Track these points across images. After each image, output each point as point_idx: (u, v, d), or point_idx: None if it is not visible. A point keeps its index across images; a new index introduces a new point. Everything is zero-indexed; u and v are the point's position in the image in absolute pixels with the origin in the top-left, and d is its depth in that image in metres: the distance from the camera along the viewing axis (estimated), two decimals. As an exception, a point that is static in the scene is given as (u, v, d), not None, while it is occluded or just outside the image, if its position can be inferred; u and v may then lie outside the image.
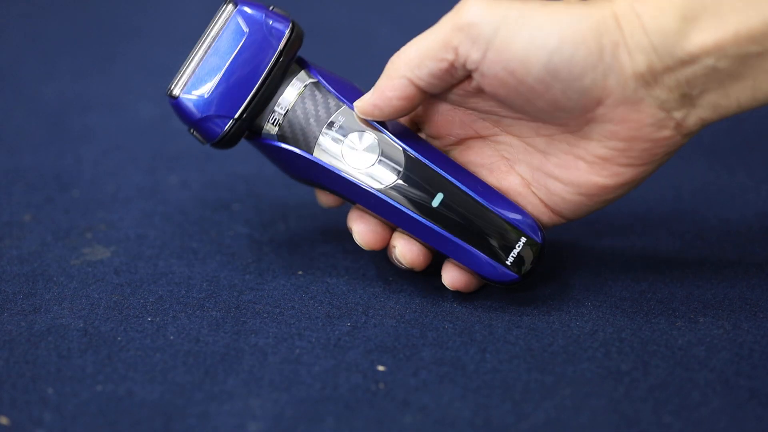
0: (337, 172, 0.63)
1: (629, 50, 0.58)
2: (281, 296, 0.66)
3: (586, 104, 0.59)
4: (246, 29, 0.63)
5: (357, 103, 0.63)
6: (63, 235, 0.73)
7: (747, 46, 0.57)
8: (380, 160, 0.63)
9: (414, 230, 0.63)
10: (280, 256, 0.71)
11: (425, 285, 0.67)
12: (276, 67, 0.63)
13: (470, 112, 0.64)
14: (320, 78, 0.64)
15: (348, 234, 0.71)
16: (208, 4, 1.06)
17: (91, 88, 0.96)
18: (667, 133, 0.59)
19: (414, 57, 0.60)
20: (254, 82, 0.63)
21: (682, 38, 0.57)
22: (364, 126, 0.63)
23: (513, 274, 0.63)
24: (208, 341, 0.62)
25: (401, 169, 0.63)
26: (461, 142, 0.65)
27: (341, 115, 0.64)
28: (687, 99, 0.58)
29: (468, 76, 0.60)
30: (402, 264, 0.64)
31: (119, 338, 0.62)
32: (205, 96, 0.63)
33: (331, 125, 0.63)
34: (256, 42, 0.63)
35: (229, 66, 0.63)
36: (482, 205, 0.63)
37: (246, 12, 0.63)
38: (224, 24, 0.63)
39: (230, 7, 0.63)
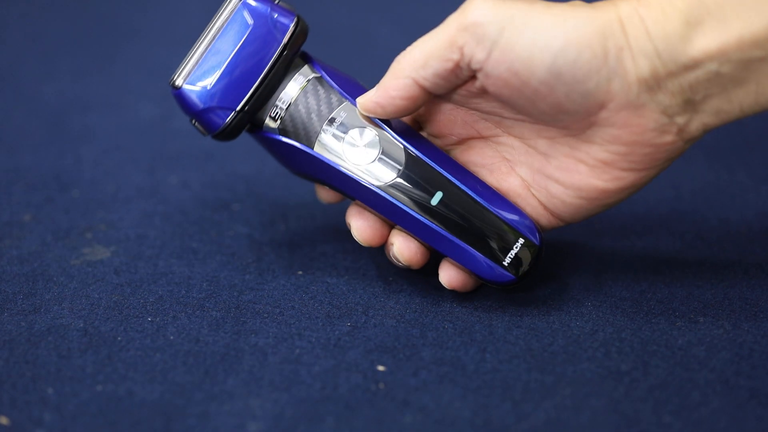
0: (337, 167, 0.63)
1: (633, 55, 0.57)
2: (281, 296, 0.66)
3: (589, 108, 0.59)
4: (251, 22, 0.63)
5: (360, 100, 0.63)
6: (63, 235, 0.73)
7: (750, 51, 0.57)
8: (380, 157, 0.63)
9: (412, 228, 0.63)
10: (280, 256, 0.71)
11: (425, 285, 0.67)
12: (279, 61, 0.63)
13: (473, 112, 0.64)
14: (323, 73, 0.64)
15: (348, 234, 0.71)
16: (208, 4, 1.06)
17: (91, 88, 0.96)
18: (669, 138, 0.59)
19: (419, 57, 0.60)
20: (257, 75, 0.63)
21: (685, 43, 0.57)
22: (365, 122, 0.63)
23: (510, 275, 0.63)
24: (208, 341, 0.62)
25: (401, 167, 0.63)
26: (462, 141, 0.65)
27: (343, 111, 0.64)
28: (690, 104, 0.58)
29: (472, 76, 0.60)
30: (399, 262, 0.64)
31: (119, 338, 0.62)
32: (208, 87, 0.63)
33: (332, 121, 0.63)
34: (261, 35, 0.63)
35: (232, 58, 0.63)
36: (481, 205, 0.63)
37: (251, 5, 0.63)
38: (229, 16, 0.63)
39: None
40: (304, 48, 0.65)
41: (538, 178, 0.63)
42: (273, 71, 0.63)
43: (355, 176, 0.63)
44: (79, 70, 0.99)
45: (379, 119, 0.63)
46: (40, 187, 0.79)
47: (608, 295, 0.66)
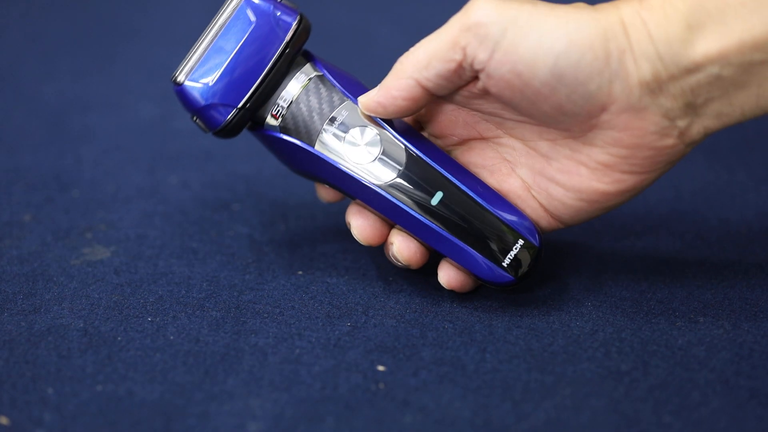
0: (337, 166, 0.63)
1: (635, 58, 0.57)
2: (281, 296, 0.66)
3: (591, 110, 0.59)
4: (253, 19, 0.63)
5: (361, 99, 0.63)
6: (63, 235, 0.73)
7: (751, 55, 0.57)
8: (381, 156, 0.63)
9: (412, 227, 0.63)
10: (280, 256, 0.71)
11: (425, 285, 0.67)
12: (282, 59, 0.63)
13: (474, 113, 0.64)
14: (325, 72, 0.64)
15: (348, 234, 0.71)
16: (208, 4, 1.06)
17: (91, 88, 0.96)
18: (670, 141, 0.59)
19: (422, 58, 0.60)
20: (259, 73, 0.63)
21: (687, 46, 0.57)
22: (366, 121, 0.63)
23: (509, 276, 0.63)
24: (208, 341, 0.62)
25: (402, 166, 0.63)
26: (463, 142, 0.65)
27: (344, 109, 0.64)
28: (691, 108, 0.58)
29: (474, 77, 0.60)
30: (399, 261, 0.64)
31: (119, 338, 0.62)
32: (210, 84, 0.63)
33: (333, 119, 0.63)
34: (263, 32, 0.63)
35: (234, 55, 0.63)
36: (481, 206, 0.63)
37: (254, 2, 0.63)
38: (232, 13, 0.63)
39: None
40: (305, 47, 0.65)
41: (539, 179, 0.63)
42: (275, 69, 0.63)
43: (355, 175, 0.63)
44: (79, 70, 0.99)
45: (381, 119, 0.63)
46: (40, 187, 0.79)
47: (608, 295, 0.66)
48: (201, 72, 0.63)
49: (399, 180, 0.63)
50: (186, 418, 0.57)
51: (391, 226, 0.65)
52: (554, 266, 0.68)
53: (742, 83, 0.57)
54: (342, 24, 1.07)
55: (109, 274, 0.69)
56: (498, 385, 0.59)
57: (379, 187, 0.63)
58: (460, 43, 0.59)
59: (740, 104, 0.58)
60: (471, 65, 0.60)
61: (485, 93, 0.61)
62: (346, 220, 0.65)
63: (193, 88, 0.63)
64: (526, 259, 0.63)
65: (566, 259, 0.69)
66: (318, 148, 0.63)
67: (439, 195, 0.63)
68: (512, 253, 0.62)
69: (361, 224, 0.65)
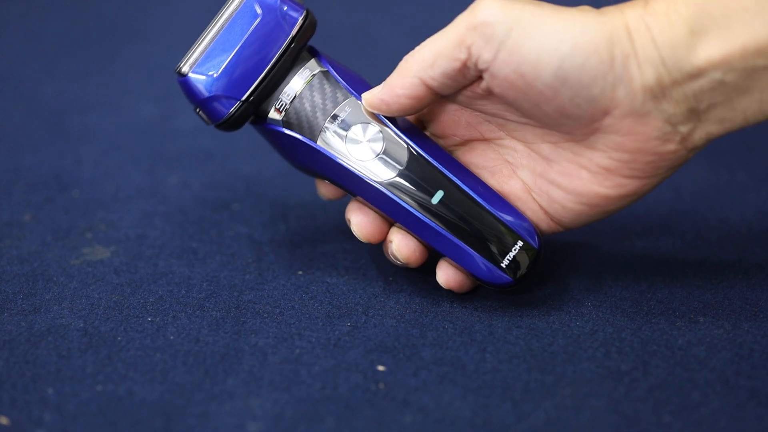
0: (339, 162, 0.63)
1: (639, 62, 0.57)
2: (281, 296, 0.66)
3: (594, 114, 0.59)
4: (260, 12, 0.63)
5: (365, 96, 0.63)
6: (63, 235, 0.73)
7: (754, 60, 0.57)
8: (383, 154, 0.63)
9: (412, 226, 0.63)
10: (280, 256, 0.71)
11: (425, 285, 0.67)
12: (287, 53, 0.63)
13: (477, 113, 0.64)
14: (330, 68, 0.64)
15: (348, 233, 0.71)
16: (208, 4, 1.06)
17: (91, 88, 0.96)
18: (672, 147, 0.59)
19: (428, 57, 0.60)
20: (264, 66, 0.63)
21: (690, 52, 0.57)
22: (369, 119, 0.63)
23: (507, 277, 0.63)
24: (208, 341, 0.62)
25: (403, 164, 0.63)
26: (465, 143, 0.65)
27: (348, 106, 0.64)
28: (694, 113, 0.58)
29: (478, 77, 0.60)
30: (398, 260, 0.64)
31: (119, 338, 0.62)
32: (214, 76, 0.63)
33: (336, 115, 0.63)
34: (269, 26, 0.63)
35: (240, 48, 0.63)
36: (481, 206, 0.63)
37: None
38: (238, 6, 0.63)
39: None
40: (310, 43, 0.65)
41: (540, 182, 0.63)
42: (280, 63, 0.63)
43: (357, 172, 0.63)
44: (79, 70, 0.99)
45: (384, 116, 0.63)
46: (40, 187, 0.79)
47: (608, 295, 0.66)
48: (205, 64, 0.63)
49: (400, 178, 0.63)
50: (186, 418, 0.57)
51: (390, 224, 0.65)
52: (554, 266, 0.68)
53: (745, 89, 0.57)
54: (342, 24, 1.07)
55: (109, 274, 0.69)
56: (498, 385, 0.59)
57: (379, 184, 0.63)
58: (465, 41, 0.59)
59: (743, 110, 0.58)
60: (475, 64, 0.59)
61: (489, 93, 0.61)
62: (346, 217, 0.65)
63: (197, 79, 0.63)
64: (524, 261, 0.63)
65: (566, 259, 0.69)
66: (320, 143, 0.63)
67: (439, 194, 0.63)
68: (511, 255, 0.62)
69: (361, 221, 0.65)
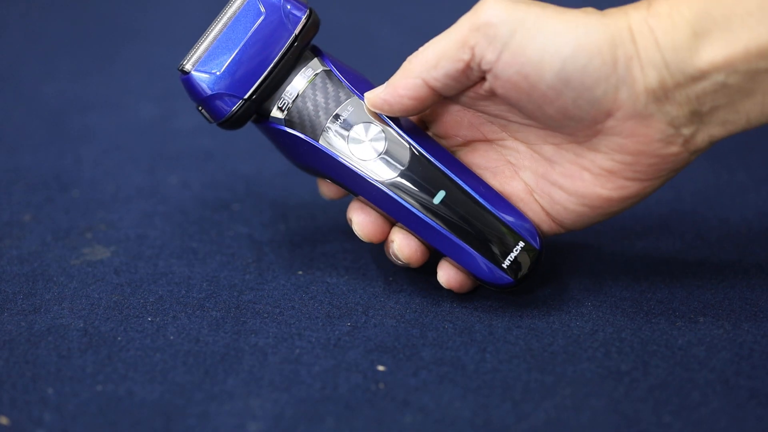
0: (341, 161, 0.63)
1: (642, 65, 0.57)
2: (281, 296, 0.66)
3: (596, 115, 0.59)
4: (263, 11, 0.63)
5: (368, 95, 0.63)
6: (63, 235, 0.73)
7: (757, 62, 0.57)
8: (385, 153, 0.63)
9: (413, 226, 0.63)
10: (280, 256, 0.71)
11: (425, 285, 0.67)
12: (290, 52, 0.63)
13: (479, 114, 0.64)
14: (333, 67, 0.64)
15: (348, 233, 0.71)
16: (208, 4, 1.06)
17: (91, 88, 0.96)
18: (674, 149, 0.59)
19: (431, 58, 0.60)
20: (267, 65, 0.63)
21: (693, 54, 0.57)
22: (371, 118, 0.63)
23: (508, 278, 0.63)
24: (208, 341, 0.62)
25: (405, 164, 0.63)
26: (467, 143, 0.65)
27: (350, 105, 0.64)
28: (696, 115, 0.58)
29: (482, 78, 0.60)
30: (399, 259, 0.64)
31: (119, 338, 0.62)
32: (217, 74, 0.63)
33: (339, 114, 0.63)
34: (272, 25, 0.63)
35: (243, 46, 0.63)
36: (483, 207, 0.63)
37: None
38: (242, 4, 0.63)
39: None
40: (313, 42, 0.65)
41: (542, 183, 0.63)
42: (282, 62, 0.63)
43: (358, 171, 0.63)
44: (79, 70, 0.99)
45: (386, 116, 0.63)
46: (40, 187, 0.79)
47: (608, 295, 0.66)
48: (208, 62, 0.63)
49: (401, 178, 0.63)
50: (186, 418, 0.57)
51: (392, 224, 0.65)
52: (554, 266, 0.68)
53: (747, 91, 0.57)
54: (342, 24, 1.07)
55: (109, 274, 0.69)
56: (498, 385, 0.59)
57: (381, 184, 0.63)
58: (469, 42, 0.59)
59: (746, 112, 0.58)
60: (479, 65, 0.59)
61: (492, 94, 0.61)
62: (348, 217, 0.65)
63: (200, 77, 0.63)
64: (526, 262, 0.63)
65: (566, 259, 0.69)
66: (322, 143, 0.63)
67: (441, 194, 0.63)
68: (512, 255, 0.62)
69: (362, 220, 0.65)
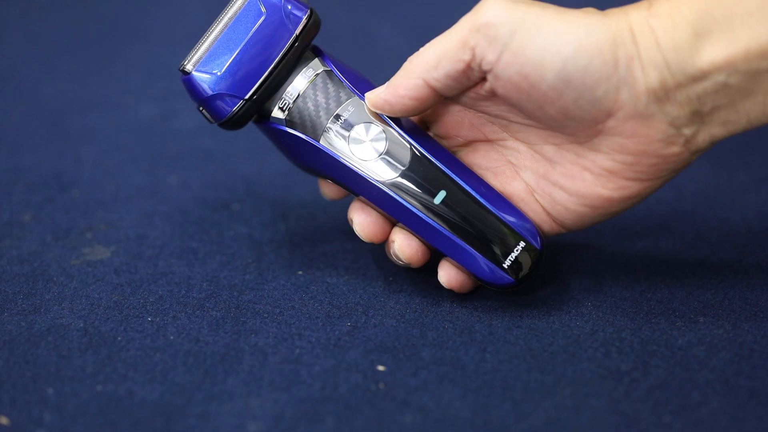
0: (342, 161, 0.63)
1: (643, 65, 0.57)
2: (281, 296, 0.66)
3: (597, 115, 0.59)
4: (264, 11, 0.63)
5: (368, 95, 0.63)
6: (63, 235, 0.73)
7: (758, 63, 0.57)
8: (386, 153, 0.63)
9: (414, 226, 0.63)
10: (280, 256, 0.71)
11: (425, 285, 0.67)
12: (290, 52, 0.63)
13: (480, 114, 0.64)
14: (333, 68, 0.64)
15: (348, 233, 0.71)
16: (208, 4, 1.06)
17: (91, 88, 0.96)
18: (675, 149, 0.59)
19: (432, 58, 0.60)
20: (267, 65, 0.63)
21: (694, 54, 0.57)
22: (372, 118, 0.63)
23: (509, 278, 0.63)
24: (208, 341, 0.62)
25: (406, 164, 0.63)
26: (468, 143, 0.65)
27: (351, 105, 0.64)
28: (697, 115, 0.58)
29: (482, 78, 0.60)
30: (400, 260, 0.64)
31: (119, 338, 0.62)
32: (218, 74, 0.63)
33: (339, 115, 0.63)
34: (273, 25, 0.63)
35: (243, 47, 0.63)
36: (484, 207, 0.63)
37: None
38: (242, 4, 0.63)
39: None
40: (313, 43, 0.65)
41: (543, 183, 0.63)
42: (283, 62, 0.63)
43: (359, 171, 0.63)
44: (79, 70, 0.99)
45: (387, 116, 0.63)
46: (40, 187, 0.79)
47: (608, 295, 0.66)
48: (209, 62, 0.63)
49: (402, 178, 0.63)
50: (186, 418, 0.57)
51: (393, 224, 0.65)
52: (554, 266, 0.68)
53: (748, 91, 0.57)
54: (342, 24, 1.07)
55: (109, 274, 0.69)
56: (498, 385, 0.59)
57: (382, 184, 0.63)
58: (469, 43, 0.59)
59: (746, 112, 0.58)
60: (479, 66, 0.59)
61: (492, 95, 0.61)
62: (349, 217, 0.65)
63: (201, 78, 0.63)
64: (526, 262, 0.63)
65: (566, 259, 0.69)
66: (323, 143, 0.63)
67: (442, 194, 0.63)
68: (513, 255, 0.62)
69: (363, 221, 0.65)
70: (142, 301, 0.66)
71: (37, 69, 0.99)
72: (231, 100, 0.63)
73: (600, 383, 0.59)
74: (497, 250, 0.62)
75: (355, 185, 0.63)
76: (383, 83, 0.63)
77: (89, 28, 1.08)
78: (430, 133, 0.66)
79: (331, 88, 0.64)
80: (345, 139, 0.63)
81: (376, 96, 0.62)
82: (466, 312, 0.65)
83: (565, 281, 0.67)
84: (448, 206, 0.63)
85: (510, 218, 0.63)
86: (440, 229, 0.63)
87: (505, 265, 0.62)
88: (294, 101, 0.64)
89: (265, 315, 0.65)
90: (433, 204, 0.63)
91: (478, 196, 0.63)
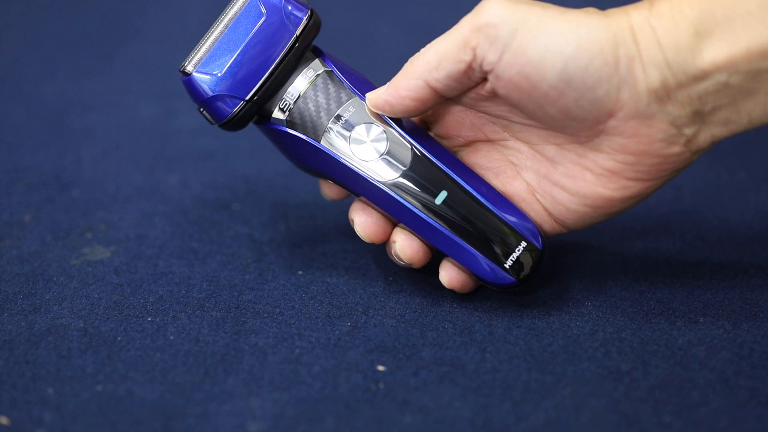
0: (342, 162, 0.63)
1: (644, 65, 0.57)
2: (281, 296, 0.66)
3: (598, 115, 0.59)
4: (264, 12, 0.63)
5: (369, 96, 0.63)
6: (63, 235, 0.73)
7: (759, 62, 0.57)
8: (387, 154, 0.63)
9: (415, 226, 0.63)
10: (280, 256, 0.71)
11: (426, 285, 0.67)
12: (291, 53, 0.63)
13: (481, 115, 0.64)
14: (334, 68, 0.64)
15: (348, 233, 0.71)
16: (208, 4, 1.06)
17: (91, 88, 0.96)
18: (677, 149, 0.59)
19: (432, 59, 0.60)
20: (268, 66, 0.63)
21: (695, 54, 0.57)
22: (373, 119, 0.63)
23: (510, 278, 0.63)
24: (208, 341, 0.62)
25: (407, 164, 0.63)
26: (469, 144, 0.65)
27: (351, 106, 0.64)
28: (698, 115, 0.58)
29: (483, 78, 0.60)
30: (401, 260, 0.64)
31: (119, 338, 0.62)
32: (218, 75, 0.63)
33: (340, 115, 0.63)
34: (273, 26, 0.63)
35: (244, 47, 0.63)
36: (485, 207, 0.63)
37: None
38: (243, 5, 0.63)
39: None
40: (314, 43, 0.65)
41: (544, 183, 0.63)
42: (284, 63, 0.63)
43: (360, 172, 0.63)
44: (79, 70, 0.99)
45: (387, 117, 0.63)
46: (40, 187, 0.79)
47: (608, 295, 0.66)
48: (209, 63, 0.63)
49: (403, 178, 0.63)
50: (186, 418, 0.57)
51: (394, 224, 0.65)
52: (554, 266, 0.68)
53: (749, 91, 0.57)
54: (342, 24, 1.07)
55: (109, 274, 0.69)
56: (498, 385, 0.59)
57: (383, 184, 0.63)
58: (470, 43, 0.59)
59: (747, 112, 0.58)
60: (480, 66, 0.59)
61: (493, 95, 0.61)
62: (350, 217, 0.65)
63: (201, 79, 0.63)
64: (528, 262, 0.63)
65: (566, 259, 0.69)
66: (323, 143, 0.63)
67: (443, 195, 0.63)
68: (514, 255, 0.62)
69: (364, 221, 0.65)
70: (142, 301, 0.66)
71: (37, 69, 0.99)
72: (231, 101, 0.63)
73: (600, 383, 0.59)
74: (498, 250, 0.62)
75: (356, 186, 0.63)
76: (384, 84, 0.63)
77: (89, 28, 1.08)
78: (431, 134, 0.66)
79: (331, 88, 0.64)
80: (346, 140, 0.63)
81: (376, 97, 0.62)
82: (466, 312, 0.65)
83: (565, 281, 0.67)
84: (450, 206, 0.63)
85: (511, 218, 0.63)
86: (441, 229, 0.62)
87: (506, 265, 0.62)
88: (294, 102, 0.64)
89: (265, 315, 0.65)
90: (435, 204, 0.63)
91: (479, 196, 0.63)
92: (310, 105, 0.63)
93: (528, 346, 0.62)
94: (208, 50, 0.63)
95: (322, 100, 0.63)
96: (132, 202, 0.78)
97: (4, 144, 0.86)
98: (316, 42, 0.65)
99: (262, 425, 0.56)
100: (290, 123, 0.64)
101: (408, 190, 0.63)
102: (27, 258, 0.70)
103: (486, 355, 0.61)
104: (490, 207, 0.63)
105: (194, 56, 0.63)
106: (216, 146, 0.86)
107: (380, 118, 0.63)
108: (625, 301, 0.65)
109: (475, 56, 0.59)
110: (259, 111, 0.64)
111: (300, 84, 0.64)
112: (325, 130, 0.63)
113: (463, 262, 0.63)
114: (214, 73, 0.63)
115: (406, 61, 0.62)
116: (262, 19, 0.63)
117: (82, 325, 0.63)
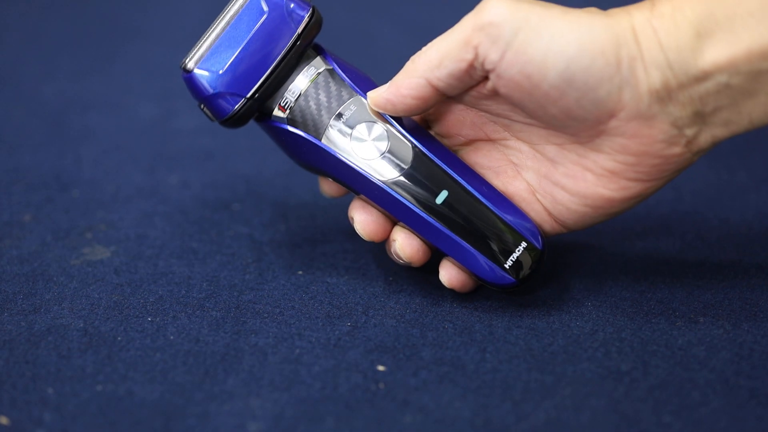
0: (343, 160, 0.63)
1: (645, 65, 0.57)
2: (281, 296, 0.66)
3: (599, 116, 0.59)
4: (266, 9, 0.63)
5: (371, 95, 0.63)
6: (63, 235, 0.73)
7: (759, 63, 0.57)
8: (388, 153, 0.63)
9: (415, 225, 0.63)
10: (280, 256, 0.71)
11: (426, 284, 0.67)
12: (292, 51, 0.63)
13: (482, 114, 0.64)
14: (335, 66, 0.64)
15: (348, 233, 0.71)
16: (208, 4, 1.06)
17: (91, 88, 0.96)
18: (677, 150, 0.59)
19: (434, 58, 0.60)
20: (269, 63, 0.63)
21: (696, 55, 0.57)
22: (374, 117, 0.63)
23: (510, 278, 0.63)
24: (208, 341, 0.62)
25: (408, 163, 0.63)
26: (470, 143, 0.65)
27: (353, 104, 0.64)
28: (699, 116, 0.58)
29: (485, 77, 0.60)
30: (401, 259, 0.64)
31: (119, 338, 0.62)
32: (219, 72, 0.63)
33: (341, 113, 0.63)
34: (275, 23, 0.63)
35: (245, 45, 0.63)
36: (485, 207, 0.63)
37: None
38: (245, 3, 0.63)
39: None
40: (315, 41, 0.65)
41: (544, 183, 0.63)
42: (285, 60, 0.63)
43: (361, 170, 0.63)
44: (79, 70, 0.99)
45: (389, 115, 0.63)
46: (40, 187, 0.79)
47: (608, 295, 0.66)
48: (211, 60, 0.63)
49: (404, 177, 0.63)
50: (186, 418, 0.57)
51: (394, 223, 0.65)
52: (554, 266, 0.68)
53: (750, 91, 0.57)
54: (342, 24, 1.07)
55: (109, 274, 0.69)
56: (498, 385, 0.59)
57: (384, 183, 0.63)
58: (472, 42, 0.59)
59: (748, 112, 0.58)
60: (482, 65, 0.59)
61: (495, 94, 0.61)
62: (349, 215, 0.65)
63: (202, 76, 0.63)
64: (528, 262, 0.63)
65: (566, 259, 0.69)
66: (324, 141, 0.63)
67: (443, 194, 0.63)
68: (514, 255, 0.62)
69: (364, 219, 0.65)
70: (142, 301, 0.66)
71: (37, 69, 0.99)
72: (233, 98, 0.63)
73: (600, 383, 0.59)
74: (498, 250, 0.62)
75: (357, 184, 0.63)
76: (384, 83, 0.63)
77: (89, 28, 1.08)
78: (432, 132, 0.66)
79: (333, 86, 0.64)
80: (347, 138, 0.63)
81: (378, 95, 0.62)
82: (466, 312, 0.65)
83: (565, 281, 0.67)
84: (450, 206, 0.63)
85: (511, 218, 0.63)
86: (442, 228, 0.62)
87: (506, 265, 0.62)
88: (296, 100, 0.64)
89: (265, 315, 0.65)
90: (435, 204, 0.63)
91: (479, 196, 0.63)
92: (311, 103, 0.63)
93: (528, 346, 0.62)
94: (209, 47, 0.63)
95: (323, 98, 0.63)
96: (132, 202, 0.78)
97: (4, 144, 0.86)
98: (317, 41, 0.65)
99: (262, 425, 0.56)
100: (291, 121, 0.64)
101: (408, 189, 0.63)
102: (27, 258, 0.70)
103: (486, 355, 0.61)
104: (491, 207, 0.63)
105: (196, 53, 0.63)
106: (216, 146, 0.86)
107: (381, 116, 0.63)
108: (625, 301, 0.65)
109: (476, 55, 0.59)
110: (260, 108, 0.64)
111: (301, 82, 0.64)
112: (326, 128, 0.63)
113: (463, 262, 0.63)
114: (216, 70, 0.63)
115: (406, 60, 0.62)
116: (264, 16, 0.63)
117: (82, 325, 0.63)
